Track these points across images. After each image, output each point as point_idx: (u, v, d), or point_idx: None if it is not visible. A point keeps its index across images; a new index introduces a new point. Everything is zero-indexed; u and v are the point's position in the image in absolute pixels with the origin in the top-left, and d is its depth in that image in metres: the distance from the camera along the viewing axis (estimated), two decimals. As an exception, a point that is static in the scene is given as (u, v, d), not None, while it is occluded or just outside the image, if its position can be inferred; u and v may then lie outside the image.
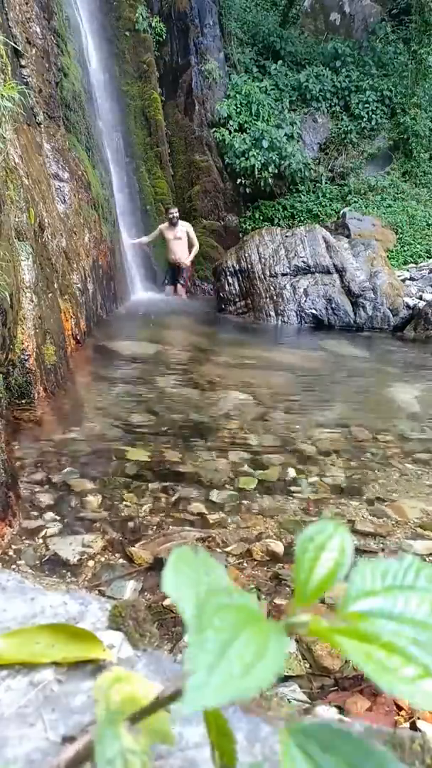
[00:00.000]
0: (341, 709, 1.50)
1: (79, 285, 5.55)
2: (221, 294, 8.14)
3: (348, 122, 11.08)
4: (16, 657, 0.55)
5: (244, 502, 2.72)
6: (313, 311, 7.56)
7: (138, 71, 9.48)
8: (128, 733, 0.39)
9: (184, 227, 8.81)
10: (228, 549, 2.31)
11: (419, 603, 0.33)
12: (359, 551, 2.34)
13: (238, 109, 10.06)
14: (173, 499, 2.70)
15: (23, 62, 4.88)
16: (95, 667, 0.55)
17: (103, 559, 2.20)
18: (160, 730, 0.42)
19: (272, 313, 7.65)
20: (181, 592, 0.34)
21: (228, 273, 8.00)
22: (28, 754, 0.45)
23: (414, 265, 9.51)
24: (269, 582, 2.11)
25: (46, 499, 2.60)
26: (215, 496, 2.74)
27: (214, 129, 9.93)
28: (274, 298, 7.68)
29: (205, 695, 0.28)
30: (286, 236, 7.94)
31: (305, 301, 7.58)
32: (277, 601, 1.99)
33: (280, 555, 2.27)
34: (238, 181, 10.08)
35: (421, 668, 0.30)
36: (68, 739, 0.46)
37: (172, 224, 8.71)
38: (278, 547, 2.31)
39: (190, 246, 8.90)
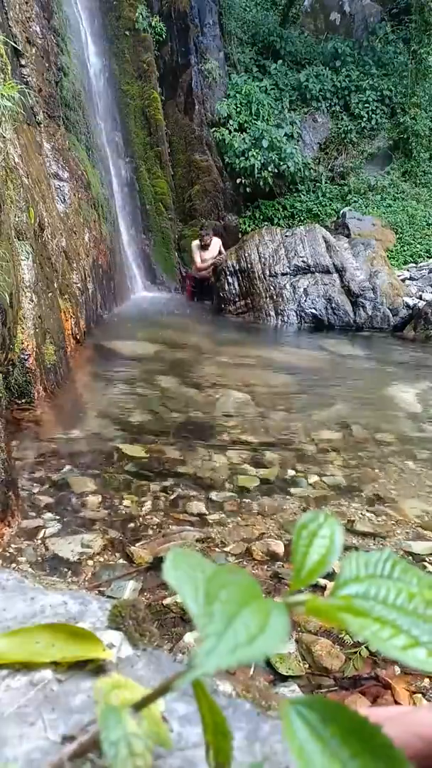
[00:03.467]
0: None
1: (79, 285, 5.55)
2: (221, 294, 8.14)
3: (348, 122, 11.07)
4: (16, 656, 0.54)
5: (244, 501, 2.72)
6: (313, 311, 7.55)
7: (138, 71, 9.48)
8: (131, 719, 0.39)
9: (216, 245, 8.54)
10: (228, 548, 2.31)
11: (396, 593, 0.36)
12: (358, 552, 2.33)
13: (238, 109, 10.05)
14: (173, 498, 2.70)
15: (23, 62, 4.88)
16: (95, 666, 0.55)
17: (102, 558, 2.20)
18: (157, 733, 0.43)
19: (272, 313, 7.65)
20: (182, 581, 0.36)
21: (228, 273, 8.00)
22: (28, 753, 0.45)
23: (414, 265, 9.51)
24: (269, 581, 2.11)
25: (45, 498, 2.60)
26: (215, 495, 2.74)
27: (213, 128, 9.92)
28: (274, 297, 7.68)
29: (214, 659, 0.30)
30: (286, 236, 7.94)
31: (305, 300, 7.58)
32: (278, 599, 1.99)
33: (280, 554, 2.27)
34: (238, 180, 10.07)
35: (410, 639, 0.33)
36: (68, 739, 0.46)
37: (205, 247, 8.43)
38: (278, 547, 2.31)
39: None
